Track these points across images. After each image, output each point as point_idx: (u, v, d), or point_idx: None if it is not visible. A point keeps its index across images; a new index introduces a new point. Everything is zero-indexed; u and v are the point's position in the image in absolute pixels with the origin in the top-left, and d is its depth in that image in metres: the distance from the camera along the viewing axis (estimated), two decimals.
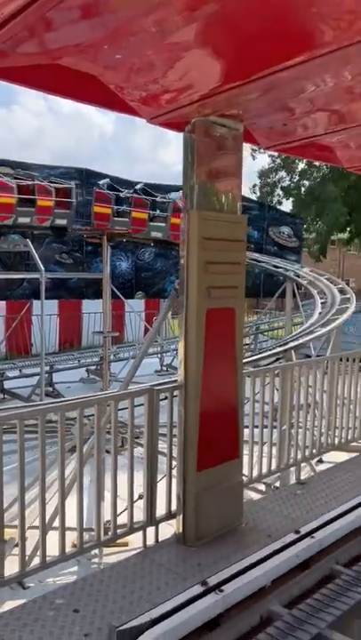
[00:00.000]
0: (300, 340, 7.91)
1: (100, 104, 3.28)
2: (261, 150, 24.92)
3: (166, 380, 7.01)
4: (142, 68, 2.85)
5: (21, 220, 14.50)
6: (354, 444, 6.12)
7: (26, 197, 14.31)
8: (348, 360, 5.85)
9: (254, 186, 27.38)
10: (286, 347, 7.59)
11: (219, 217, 3.59)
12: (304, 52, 2.49)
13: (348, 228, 25.67)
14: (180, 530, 3.59)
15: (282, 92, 3.18)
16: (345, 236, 27.74)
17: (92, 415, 3.70)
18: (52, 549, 3.31)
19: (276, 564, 3.29)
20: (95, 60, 2.75)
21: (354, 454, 5.79)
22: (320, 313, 9.93)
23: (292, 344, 7.67)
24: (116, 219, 15.71)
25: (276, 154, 25.37)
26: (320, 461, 7.84)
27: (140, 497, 3.82)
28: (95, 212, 15.50)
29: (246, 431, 4.53)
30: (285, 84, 3.00)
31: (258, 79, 2.83)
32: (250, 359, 7.01)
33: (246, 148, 4.17)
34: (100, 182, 16.23)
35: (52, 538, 3.34)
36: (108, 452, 4.86)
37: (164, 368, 15.70)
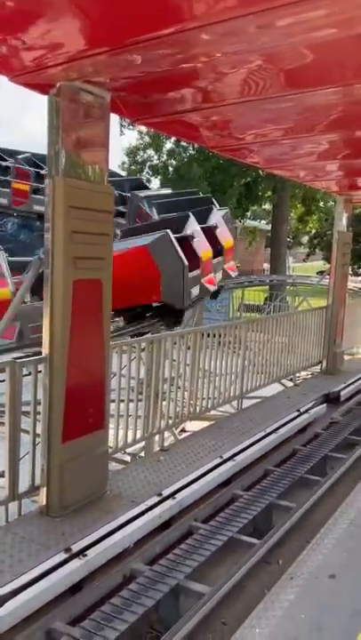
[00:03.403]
0: None
1: None
2: (130, 127, 24.80)
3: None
4: (3, 20, 2.68)
5: None
6: (213, 412, 6.52)
7: None
8: (208, 335, 6.17)
9: (123, 163, 27.21)
10: (153, 321, 7.77)
11: (85, 185, 3.54)
12: (174, 25, 2.52)
13: None
14: (44, 501, 3.56)
15: (150, 64, 3.19)
16: None
17: None
18: None
19: (139, 525, 3.43)
20: None
21: (212, 422, 6.16)
22: None
23: (157, 319, 7.87)
24: None
25: (144, 131, 25.43)
26: (183, 430, 8.23)
27: (2, 475, 3.70)
28: None
29: (113, 405, 4.61)
30: (154, 57, 3.02)
31: (126, 47, 2.81)
32: (117, 334, 7.07)
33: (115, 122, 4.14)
34: None
35: None
36: None
37: None
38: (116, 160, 31.60)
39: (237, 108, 4.04)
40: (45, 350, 3.54)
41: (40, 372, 3.63)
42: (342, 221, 8.42)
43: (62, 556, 2.99)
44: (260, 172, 23.42)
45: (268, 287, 23.14)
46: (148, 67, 3.23)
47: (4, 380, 3.61)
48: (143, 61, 3.12)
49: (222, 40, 2.85)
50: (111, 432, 4.51)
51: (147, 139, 25.60)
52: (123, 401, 4.78)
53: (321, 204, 30.46)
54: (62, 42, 2.88)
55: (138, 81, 3.54)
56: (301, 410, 6.18)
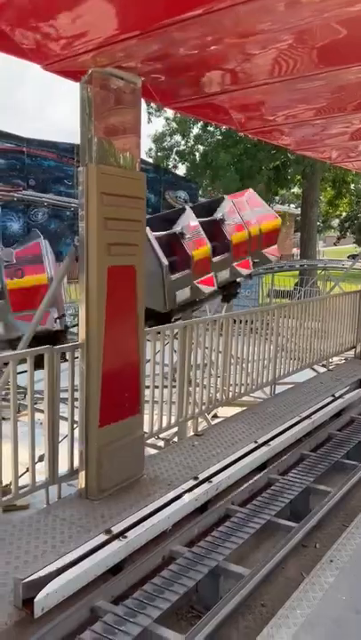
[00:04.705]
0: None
1: None
2: (157, 114, 24.67)
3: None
4: (34, 8, 2.70)
5: None
6: (245, 398, 6.51)
7: None
8: (240, 322, 6.14)
9: (150, 150, 27.15)
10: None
11: (117, 172, 3.55)
12: (204, 5, 2.49)
13: None
14: (83, 485, 3.63)
15: (180, 48, 3.17)
16: None
17: None
18: None
19: (177, 508, 3.47)
20: None
21: (245, 408, 6.15)
22: None
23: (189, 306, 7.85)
24: None
25: (171, 116, 25.27)
26: (215, 416, 8.24)
27: (41, 459, 3.79)
28: None
29: (147, 391, 4.66)
30: (184, 40, 3.00)
31: (156, 30, 2.80)
32: None
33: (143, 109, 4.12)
34: None
35: None
36: (4, 418, 4.73)
37: None
38: (143, 147, 31.47)
39: (268, 89, 3.96)
40: (82, 336, 3.59)
41: (77, 358, 3.68)
42: None
43: (103, 537, 3.05)
44: (289, 155, 23.08)
45: (298, 272, 22.87)
46: (178, 50, 3.21)
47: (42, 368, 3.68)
48: (173, 45, 3.11)
49: (252, 19, 2.80)
50: (146, 417, 4.56)
51: (173, 125, 25.45)
52: (157, 387, 4.82)
53: (352, 186, 29.83)
54: (92, 28, 2.88)
55: (168, 65, 3.52)
56: (336, 395, 6.12)
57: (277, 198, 35.18)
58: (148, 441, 5.71)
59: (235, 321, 6.08)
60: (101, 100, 3.42)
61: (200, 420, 7.32)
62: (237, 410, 6.14)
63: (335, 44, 3.21)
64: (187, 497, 3.62)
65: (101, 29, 2.91)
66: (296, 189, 31.84)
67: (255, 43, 3.15)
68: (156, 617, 2.53)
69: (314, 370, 8.54)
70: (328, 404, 5.84)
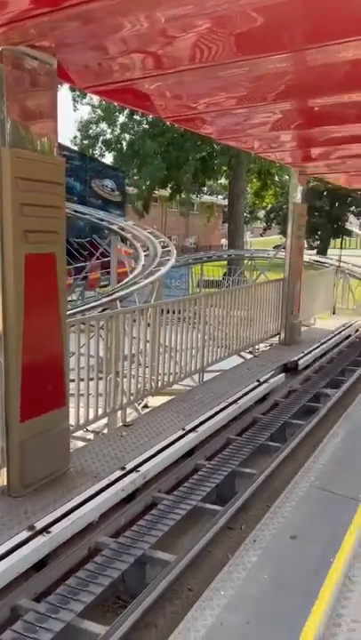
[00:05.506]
0: (125, 291, 8.06)
1: None
2: (83, 102, 24.13)
3: None
4: None
5: None
6: (175, 386, 6.55)
7: None
8: (168, 312, 6.14)
9: (75, 137, 26.55)
10: (111, 297, 7.68)
11: (34, 157, 3.41)
12: None
13: (170, 185, 26.50)
14: (5, 482, 3.50)
15: (97, 27, 3.08)
16: (167, 192, 28.61)
17: None
18: None
19: (103, 499, 3.43)
20: None
21: (174, 396, 6.19)
22: (143, 265, 10.19)
23: (116, 295, 7.78)
24: None
25: (96, 104, 24.80)
26: (146, 406, 8.24)
27: None
28: None
29: (72, 384, 4.56)
30: (100, 18, 2.91)
31: (70, 7, 2.70)
32: (74, 311, 6.96)
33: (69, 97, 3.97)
34: None
35: None
36: None
37: None
38: (69, 135, 30.78)
39: (188, 75, 3.95)
40: None
41: None
42: (297, 193, 8.48)
43: (25, 534, 2.96)
44: (215, 146, 23.35)
45: (226, 262, 23.27)
46: (95, 30, 3.12)
47: None
48: (89, 24, 3.01)
49: (167, 1, 2.77)
50: (72, 411, 4.47)
51: (99, 112, 25.01)
52: (83, 380, 4.73)
53: (276, 178, 30.65)
54: (2, 2, 2.74)
55: (85, 46, 3.42)
56: (261, 380, 6.28)
57: (205, 189, 35.55)
58: (77, 434, 5.62)
59: (162, 311, 6.07)
60: (14, 80, 3.26)
61: (130, 410, 7.29)
62: (167, 399, 6.16)
63: (252, 32, 3.24)
64: (113, 488, 3.58)
65: (12, 3, 2.77)
66: (223, 180, 32.31)
67: (174, 26, 3.12)
68: (80, 611, 2.48)
69: (241, 356, 8.73)
70: (253, 388, 5.98)
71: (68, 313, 4.58)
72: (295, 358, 7.33)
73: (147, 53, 3.52)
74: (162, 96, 4.62)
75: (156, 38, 3.23)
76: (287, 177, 23.36)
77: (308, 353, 7.73)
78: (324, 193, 33.94)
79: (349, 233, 43.04)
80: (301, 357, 7.44)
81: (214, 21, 3.05)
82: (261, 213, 42.36)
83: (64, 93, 22.66)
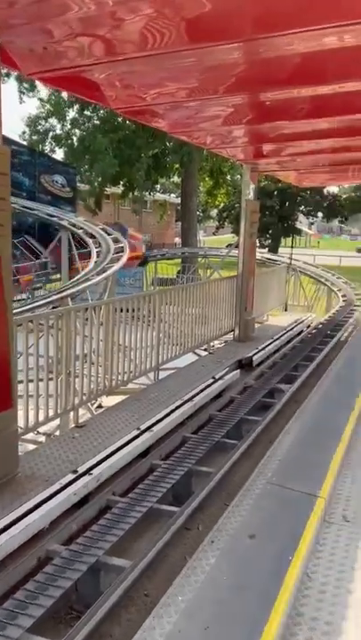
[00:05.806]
0: (76, 288, 7.84)
1: None
2: (30, 94, 23.51)
3: None
4: None
5: None
6: (130, 385, 6.42)
7: None
8: (122, 310, 5.99)
9: (24, 133, 25.85)
10: (62, 294, 7.45)
11: None
12: None
13: (122, 182, 26.21)
14: None
15: (42, 7, 2.91)
16: (119, 190, 28.29)
17: None
18: None
19: (54, 505, 3.27)
20: None
21: (128, 396, 6.05)
22: (96, 261, 9.98)
23: (68, 292, 7.56)
24: None
25: (45, 98, 24.23)
26: (100, 407, 8.06)
27: None
28: None
29: (21, 386, 4.36)
30: None
31: None
32: (23, 308, 6.70)
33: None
34: None
35: None
36: None
37: None
38: (17, 130, 30.02)
39: (139, 64, 3.83)
40: None
41: None
42: (249, 191, 8.50)
43: None
44: (168, 143, 23.26)
45: (180, 261, 23.25)
46: (39, 10, 2.95)
47: None
48: (32, 3, 2.85)
49: None
50: (21, 413, 4.27)
51: (48, 107, 24.44)
52: (31, 381, 4.53)
53: (228, 177, 30.88)
54: None
55: (30, 28, 3.24)
56: (216, 377, 6.23)
57: (158, 187, 35.44)
58: (27, 436, 5.40)
59: (116, 309, 5.92)
60: None
61: (83, 411, 7.10)
62: (122, 398, 6.02)
63: (202, 19, 3.16)
64: (65, 492, 3.43)
65: None
66: (176, 178, 32.26)
67: (122, 8, 2.99)
68: (29, 626, 2.32)
69: (196, 354, 8.69)
70: (209, 385, 5.92)
71: (15, 311, 4.39)
72: (250, 354, 7.33)
73: (95, 37, 3.37)
74: (112, 85, 4.47)
75: (105, 21, 3.09)
76: (239, 176, 23.60)
77: (262, 349, 7.75)
78: (275, 192, 34.52)
79: (299, 232, 44.01)
80: (256, 354, 7.44)
81: (164, 4, 2.95)
82: (214, 212, 42.64)
83: (10, 84, 21.95)
